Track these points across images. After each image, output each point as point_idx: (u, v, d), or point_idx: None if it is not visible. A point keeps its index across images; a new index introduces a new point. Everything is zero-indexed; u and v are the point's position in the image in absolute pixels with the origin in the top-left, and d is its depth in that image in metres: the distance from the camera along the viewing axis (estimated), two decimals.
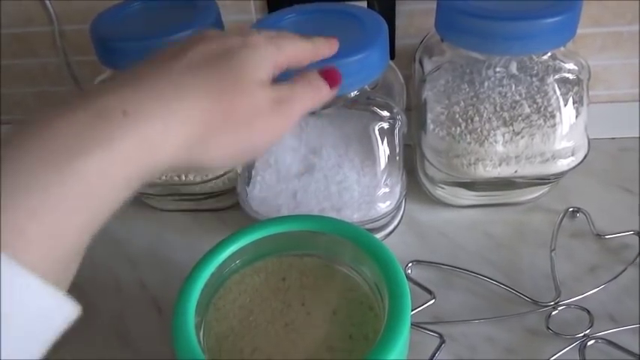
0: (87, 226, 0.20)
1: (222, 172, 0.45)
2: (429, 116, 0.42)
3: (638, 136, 0.52)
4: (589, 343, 0.35)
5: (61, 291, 0.19)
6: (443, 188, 0.45)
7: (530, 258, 0.42)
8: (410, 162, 0.48)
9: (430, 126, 0.41)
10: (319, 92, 0.28)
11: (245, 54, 0.25)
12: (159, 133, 0.22)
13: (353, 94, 0.38)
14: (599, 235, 0.43)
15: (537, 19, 0.36)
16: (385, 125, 0.39)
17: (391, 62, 0.42)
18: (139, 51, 0.40)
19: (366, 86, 0.38)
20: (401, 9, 0.50)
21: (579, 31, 0.51)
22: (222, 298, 0.28)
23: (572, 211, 0.45)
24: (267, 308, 0.27)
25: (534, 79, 0.41)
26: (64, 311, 0.19)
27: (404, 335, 0.23)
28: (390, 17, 0.50)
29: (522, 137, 0.39)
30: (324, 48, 0.31)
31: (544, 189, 0.45)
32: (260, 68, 0.25)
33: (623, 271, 0.40)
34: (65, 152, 0.19)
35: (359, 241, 0.27)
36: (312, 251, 0.30)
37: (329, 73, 0.29)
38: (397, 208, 0.41)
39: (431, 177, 0.45)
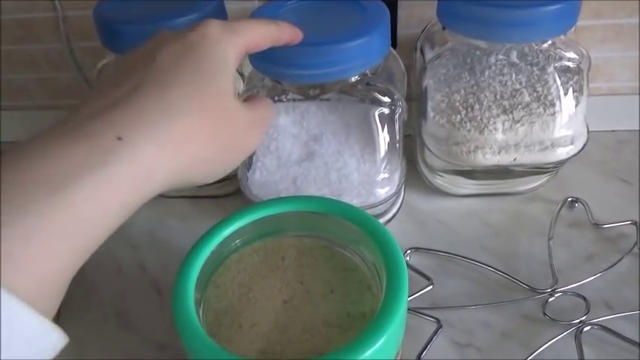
0: (79, 252, 0.20)
1: None
2: (430, 104, 0.42)
3: (637, 128, 0.52)
4: (585, 329, 0.35)
5: (49, 319, 0.19)
6: (442, 177, 0.45)
7: (527, 246, 0.43)
8: (410, 151, 0.48)
9: (430, 114, 0.42)
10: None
11: (208, 45, 0.25)
12: (152, 158, 0.22)
13: (354, 78, 0.38)
14: (596, 225, 0.43)
15: (538, 7, 0.36)
16: (386, 111, 0.39)
17: (393, 50, 0.42)
18: (142, 34, 0.40)
19: (367, 71, 0.38)
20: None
21: (580, 23, 0.51)
22: (221, 275, 0.28)
23: (571, 200, 0.45)
24: (266, 286, 0.27)
25: (535, 67, 0.41)
26: (52, 340, 0.19)
27: (400, 313, 0.23)
28: (392, 6, 0.51)
29: (522, 125, 0.39)
30: (288, 33, 0.31)
31: (543, 179, 0.45)
32: (227, 69, 0.25)
33: (620, 259, 0.40)
34: (57, 179, 0.19)
35: (358, 222, 0.27)
36: (311, 232, 0.30)
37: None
38: (396, 194, 0.42)
39: (430, 165, 0.45)
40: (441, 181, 0.46)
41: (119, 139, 0.21)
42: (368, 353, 0.22)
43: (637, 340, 0.35)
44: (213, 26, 0.26)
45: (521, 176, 0.44)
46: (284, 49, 0.33)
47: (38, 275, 0.18)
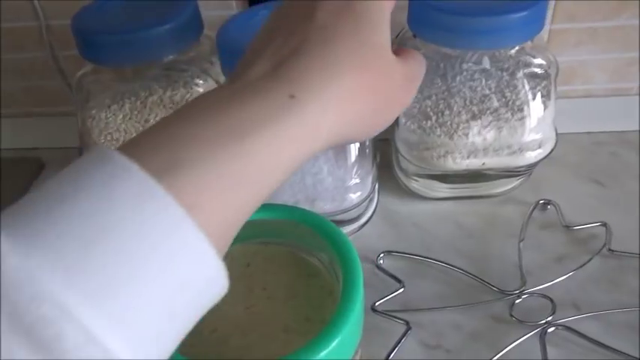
0: (250, 203, 0.21)
1: None
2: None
3: (613, 130, 0.53)
4: (549, 330, 0.36)
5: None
6: (417, 181, 0.46)
7: (500, 248, 0.43)
8: (386, 156, 0.49)
9: (402, 119, 0.42)
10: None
11: (375, 5, 0.25)
12: (319, 115, 0.22)
13: None
14: (567, 227, 0.44)
15: (504, 14, 0.37)
16: None
17: None
18: (119, 45, 0.41)
19: None
20: None
21: (554, 26, 0.52)
22: None
23: (543, 203, 0.46)
24: (229, 292, 0.28)
25: (505, 73, 0.42)
26: (220, 285, 0.20)
27: (354, 318, 0.24)
28: None
29: (490, 130, 0.40)
30: None
31: (516, 181, 0.46)
32: (384, 25, 0.26)
33: (589, 260, 0.41)
34: (237, 130, 0.20)
35: (318, 228, 0.28)
36: (277, 239, 0.31)
37: None
38: (369, 199, 0.42)
39: (405, 170, 0.46)
40: (416, 185, 0.47)
41: (292, 97, 0.22)
42: (322, 354, 0.23)
43: (600, 339, 0.35)
44: None
45: (495, 179, 0.45)
46: None
47: (217, 222, 0.19)
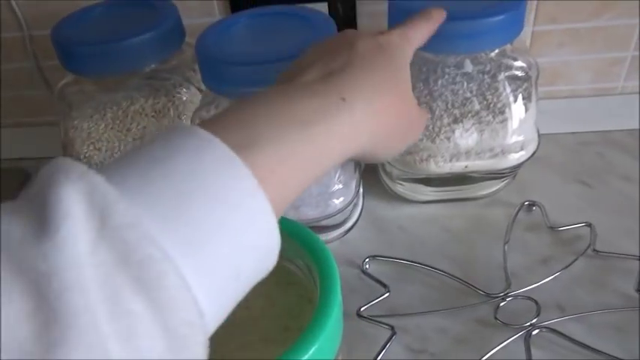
0: (302, 184, 0.23)
1: None
2: None
3: (597, 130, 0.53)
4: (534, 333, 0.36)
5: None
6: (402, 185, 0.46)
7: (485, 251, 0.43)
8: None
9: None
10: None
11: (394, 48, 0.30)
12: (360, 120, 0.26)
13: None
14: (552, 228, 0.44)
15: (483, 18, 0.37)
16: None
17: None
18: (99, 55, 0.41)
19: None
20: (362, 10, 0.51)
21: (536, 28, 0.52)
22: None
23: (528, 204, 0.46)
24: None
25: (486, 76, 0.42)
26: (272, 258, 0.22)
27: (330, 324, 0.24)
28: (351, 18, 0.52)
29: (472, 133, 0.40)
30: (438, 18, 0.35)
31: (500, 183, 0.46)
32: (407, 68, 0.31)
33: (574, 261, 0.41)
34: (300, 120, 0.23)
35: (294, 234, 0.28)
36: None
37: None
38: (353, 204, 0.42)
39: (389, 174, 0.46)
40: (402, 188, 0.47)
41: (343, 99, 0.25)
42: None
43: (585, 341, 0.35)
44: (394, 35, 0.31)
45: (479, 182, 0.45)
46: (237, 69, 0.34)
47: (278, 197, 0.21)
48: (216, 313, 0.20)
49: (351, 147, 0.26)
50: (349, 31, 0.31)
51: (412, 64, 0.43)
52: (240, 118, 0.22)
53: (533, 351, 0.35)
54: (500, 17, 0.37)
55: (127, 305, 0.16)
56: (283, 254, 0.30)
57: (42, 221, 0.16)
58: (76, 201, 0.17)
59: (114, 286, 0.16)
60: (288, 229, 0.29)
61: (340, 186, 0.40)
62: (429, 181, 0.45)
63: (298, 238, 0.28)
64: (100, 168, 0.19)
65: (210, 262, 0.19)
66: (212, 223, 0.19)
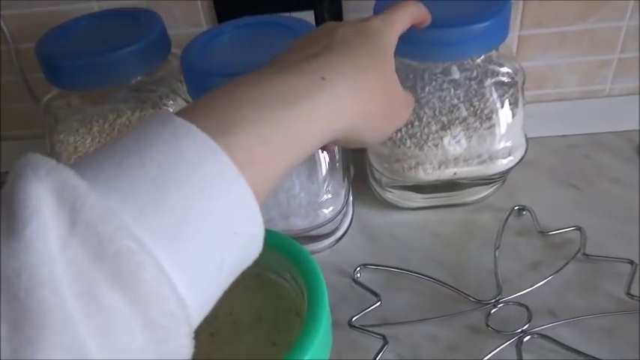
0: (285, 166, 0.23)
1: None
2: None
3: (587, 132, 0.53)
4: (525, 339, 0.36)
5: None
6: (392, 192, 0.46)
7: (476, 257, 0.43)
8: (362, 167, 0.49)
9: None
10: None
11: (376, 33, 0.30)
12: (344, 99, 0.26)
13: None
14: (542, 232, 0.44)
15: (467, 26, 0.37)
16: None
17: None
18: (84, 69, 0.41)
19: None
20: (348, 17, 0.51)
21: (523, 32, 0.52)
22: None
23: (518, 209, 0.46)
24: None
25: (473, 82, 0.42)
26: (257, 245, 0.22)
27: (318, 338, 0.24)
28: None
29: (459, 140, 0.40)
30: (424, 14, 0.35)
31: (490, 189, 0.46)
32: (391, 52, 0.31)
33: (564, 266, 0.41)
34: (280, 101, 0.23)
35: (280, 247, 0.28)
36: None
37: None
38: (342, 213, 0.42)
39: (379, 181, 0.46)
40: (392, 196, 0.47)
41: (323, 78, 0.25)
42: None
43: (576, 346, 0.35)
44: (376, 20, 0.31)
45: (468, 187, 0.45)
46: (222, 80, 0.34)
47: (260, 180, 0.21)
48: (200, 304, 0.19)
49: (334, 127, 0.26)
50: (331, 22, 0.31)
51: (399, 71, 0.43)
52: (218, 103, 0.22)
53: (525, 357, 0.35)
54: (485, 24, 0.37)
55: (104, 301, 0.16)
56: (270, 267, 0.30)
57: (9, 219, 0.16)
58: (43, 198, 0.16)
59: (88, 283, 0.16)
60: (274, 241, 0.29)
61: (329, 195, 0.40)
62: (418, 188, 0.44)
63: (283, 250, 0.28)
64: (73, 162, 0.19)
65: (191, 252, 0.18)
66: (191, 213, 0.19)
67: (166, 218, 0.18)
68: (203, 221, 0.19)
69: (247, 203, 0.20)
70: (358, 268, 0.42)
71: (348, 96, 0.26)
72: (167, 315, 0.17)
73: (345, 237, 0.46)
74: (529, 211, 0.45)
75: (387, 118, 0.30)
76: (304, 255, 0.27)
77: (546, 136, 0.53)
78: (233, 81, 0.24)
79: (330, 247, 0.45)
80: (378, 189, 0.47)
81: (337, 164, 0.40)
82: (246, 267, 0.22)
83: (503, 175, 0.44)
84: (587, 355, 0.35)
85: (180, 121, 0.20)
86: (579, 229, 0.43)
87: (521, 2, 0.50)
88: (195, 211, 0.19)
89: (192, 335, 0.19)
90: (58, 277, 0.16)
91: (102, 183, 0.18)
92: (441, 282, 0.41)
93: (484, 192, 0.46)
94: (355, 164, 0.49)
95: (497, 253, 0.42)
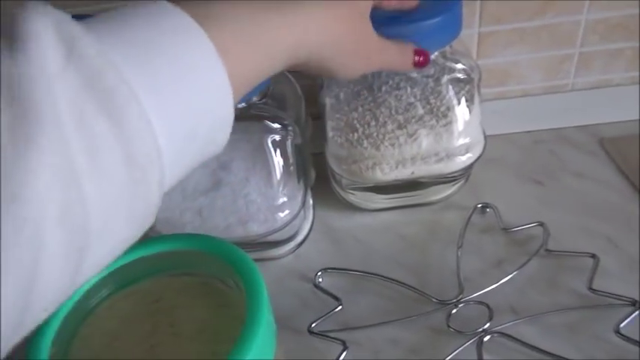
0: (258, 69, 0.24)
1: None
2: (329, 124, 0.42)
3: (552, 127, 0.53)
4: (485, 338, 0.35)
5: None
6: (354, 194, 0.46)
7: (440, 257, 0.43)
8: (325, 170, 0.48)
9: (330, 133, 0.42)
10: (403, 63, 0.34)
11: None
12: (313, 22, 0.27)
13: (240, 105, 0.38)
14: (505, 229, 0.43)
15: (417, 22, 0.37)
16: (277, 137, 0.39)
17: (288, 74, 0.43)
18: None
19: (254, 98, 0.38)
20: None
21: (482, 29, 0.52)
22: (89, 326, 0.27)
23: (482, 206, 0.45)
24: (134, 332, 0.27)
25: (430, 80, 0.41)
26: (227, 130, 0.23)
27: (255, 345, 0.23)
28: None
29: (416, 139, 0.40)
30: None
31: (453, 187, 0.46)
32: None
33: (526, 262, 0.40)
34: (252, 9, 0.24)
35: (220, 251, 0.27)
36: (188, 270, 0.30)
37: (420, 53, 0.35)
38: (300, 217, 0.41)
39: (340, 183, 0.45)
40: (354, 197, 0.46)
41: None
42: None
43: (538, 343, 0.35)
44: None
45: (430, 186, 0.45)
46: None
47: (235, 74, 0.22)
48: (172, 167, 0.20)
49: (301, 45, 0.26)
50: None
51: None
52: (192, 2, 0.23)
53: (486, 357, 0.34)
54: (436, 20, 0.37)
55: (93, 126, 0.17)
56: (216, 275, 0.29)
57: (10, 37, 0.17)
58: (43, 25, 0.17)
59: (80, 106, 0.17)
60: (216, 248, 0.28)
61: (285, 199, 0.39)
62: (379, 188, 0.44)
63: (223, 255, 0.27)
64: None
65: (170, 111, 0.20)
66: (173, 77, 0.20)
67: (151, 75, 0.19)
68: (183, 88, 0.20)
69: (222, 84, 0.21)
70: (319, 273, 0.42)
71: (316, 21, 0.27)
72: (145, 155, 0.18)
73: (307, 241, 0.45)
74: (492, 208, 0.45)
75: (357, 58, 0.31)
76: (243, 258, 0.27)
77: (511, 133, 0.53)
78: None
79: (291, 252, 0.44)
80: (340, 191, 0.47)
81: (291, 167, 0.40)
82: (212, 154, 0.23)
83: (464, 173, 0.43)
84: (548, 352, 0.34)
85: (166, 4, 0.21)
86: (542, 224, 0.43)
87: (478, 1, 0.50)
88: (176, 77, 0.20)
89: (162, 189, 0.20)
90: (55, 93, 0.17)
91: (94, 31, 0.19)
92: (403, 284, 0.40)
93: (448, 190, 0.46)
94: (317, 167, 0.49)
95: (459, 252, 0.42)
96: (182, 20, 0.21)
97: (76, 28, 0.18)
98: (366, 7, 0.31)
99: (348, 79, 0.34)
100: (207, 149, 0.23)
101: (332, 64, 0.29)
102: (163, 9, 0.21)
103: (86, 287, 0.27)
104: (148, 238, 0.30)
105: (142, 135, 0.18)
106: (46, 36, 0.17)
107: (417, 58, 0.35)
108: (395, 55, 0.34)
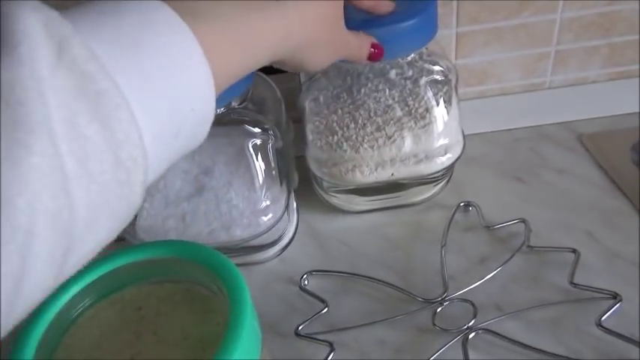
0: (241, 65, 0.25)
1: None
2: (309, 127, 0.42)
3: (531, 125, 0.54)
4: (470, 336, 0.36)
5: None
6: (336, 196, 0.46)
7: (424, 256, 0.43)
8: (307, 172, 0.48)
9: (309, 136, 0.42)
10: (361, 55, 0.36)
11: None
12: (295, 23, 0.28)
13: (219, 110, 0.38)
14: (487, 227, 0.44)
15: (392, 24, 0.37)
16: (258, 141, 0.39)
17: (267, 78, 0.43)
18: None
19: (233, 103, 0.38)
20: None
21: (460, 29, 0.53)
22: (72, 336, 0.27)
23: (464, 205, 0.46)
24: (116, 341, 0.27)
25: (408, 82, 0.42)
26: (207, 125, 0.23)
27: (239, 348, 0.23)
28: None
29: (394, 140, 0.40)
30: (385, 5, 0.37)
31: (436, 187, 0.46)
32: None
33: (509, 259, 0.41)
34: (236, 8, 0.25)
35: (201, 257, 0.27)
36: (172, 277, 0.30)
37: (376, 47, 0.36)
38: (284, 220, 0.41)
39: (322, 186, 0.45)
40: (337, 200, 0.46)
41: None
42: None
43: (522, 338, 0.35)
44: None
45: (412, 187, 0.45)
46: None
47: (218, 72, 0.22)
48: (155, 165, 0.21)
49: (282, 43, 0.27)
50: None
51: (337, 76, 0.43)
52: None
53: (471, 354, 0.35)
54: (411, 22, 0.37)
55: (83, 130, 0.17)
56: (199, 281, 0.29)
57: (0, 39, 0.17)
58: (33, 26, 0.17)
59: (71, 110, 0.17)
60: (198, 254, 0.28)
61: (268, 202, 0.40)
62: (361, 191, 0.44)
63: (205, 261, 0.27)
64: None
65: (156, 111, 0.20)
66: (158, 76, 0.20)
67: (137, 74, 0.19)
68: (168, 87, 0.20)
69: (208, 84, 0.22)
70: (305, 276, 0.42)
71: (298, 21, 0.28)
72: (132, 158, 0.19)
73: (292, 245, 0.45)
74: (474, 206, 0.45)
75: (328, 49, 0.32)
76: (227, 265, 0.27)
77: (492, 132, 0.54)
78: None
79: (276, 255, 0.44)
80: (323, 194, 0.47)
81: (273, 171, 0.40)
82: (192, 148, 0.23)
83: (445, 174, 0.44)
84: (532, 347, 0.35)
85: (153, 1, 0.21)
86: (523, 221, 0.43)
87: (455, 1, 0.51)
88: (161, 76, 0.20)
89: (145, 188, 0.20)
90: (46, 96, 0.16)
91: (82, 28, 0.19)
92: (388, 284, 0.40)
93: (430, 191, 0.46)
94: (300, 171, 0.49)
95: (443, 251, 0.42)
96: (168, 16, 0.21)
97: (65, 27, 0.18)
98: (341, 5, 0.32)
99: (316, 70, 0.36)
100: (187, 145, 0.23)
101: (305, 59, 0.31)
102: (150, 4, 0.21)
103: (69, 297, 0.27)
104: (130, 246, 0.30)
105: (131, 139, 0.18)
106: (36, 37, 0.17)
107: (372, 50, 0.36)
108: (355, 47, 0.35)
